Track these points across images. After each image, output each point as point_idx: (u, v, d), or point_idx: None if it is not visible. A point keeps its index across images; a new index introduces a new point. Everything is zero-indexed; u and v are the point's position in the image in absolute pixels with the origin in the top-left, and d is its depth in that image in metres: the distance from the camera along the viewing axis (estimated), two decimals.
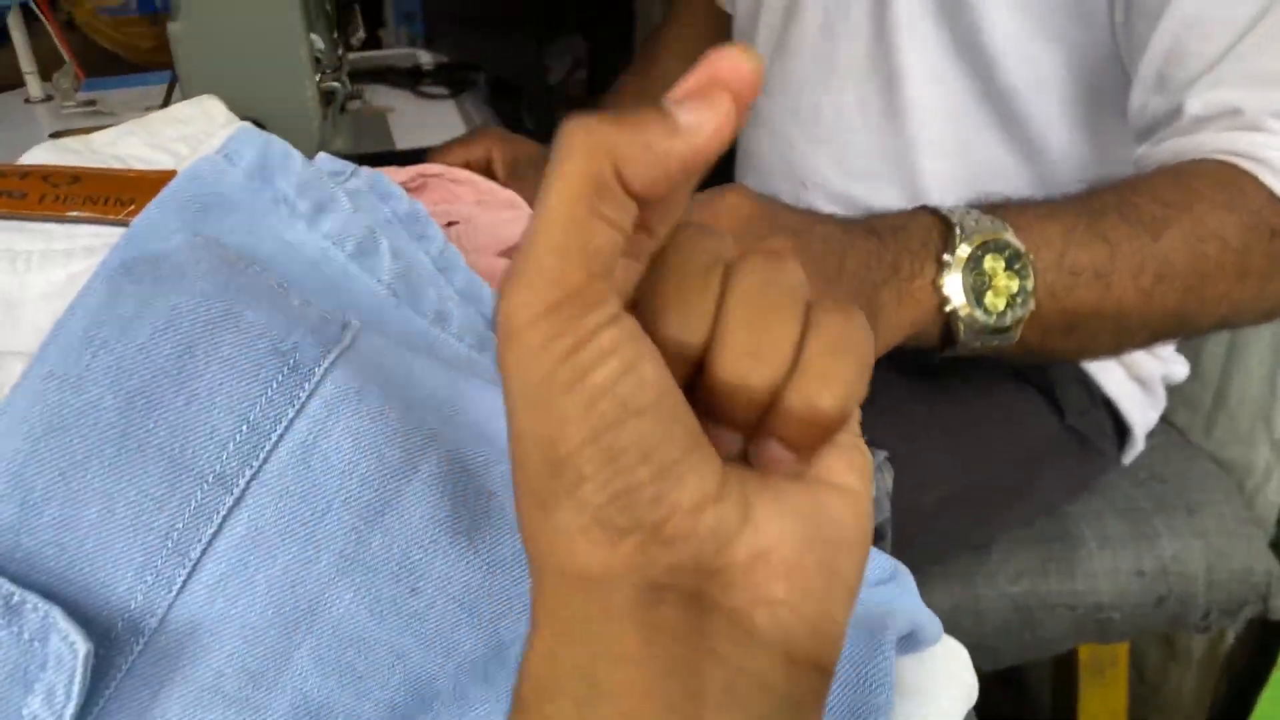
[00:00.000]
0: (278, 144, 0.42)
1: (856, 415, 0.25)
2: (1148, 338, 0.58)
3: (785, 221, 0.44)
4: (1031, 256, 0.50)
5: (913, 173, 0.74)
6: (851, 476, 0.24)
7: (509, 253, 0.53)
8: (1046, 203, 0.54)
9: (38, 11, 1.14)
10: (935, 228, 0.49)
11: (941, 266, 0.48)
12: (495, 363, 0.40)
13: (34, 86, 1.18)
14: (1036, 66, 0.68)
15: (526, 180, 0.86)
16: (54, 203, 0.44)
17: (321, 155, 0.46)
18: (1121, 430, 0.80)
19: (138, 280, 0.33)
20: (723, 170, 0.93)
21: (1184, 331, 0.60)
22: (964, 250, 0.48)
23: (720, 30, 0.93)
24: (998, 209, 0.52)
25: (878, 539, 0.67)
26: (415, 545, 0.32)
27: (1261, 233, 0.55)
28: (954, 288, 0.48)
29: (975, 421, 0.73)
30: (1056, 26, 0.66)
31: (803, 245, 0.42)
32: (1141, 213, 0.53)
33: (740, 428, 0.22)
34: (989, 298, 0.48)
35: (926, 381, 0.74)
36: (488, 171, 0.88)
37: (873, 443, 0.70)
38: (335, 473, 0.32)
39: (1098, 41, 0.66)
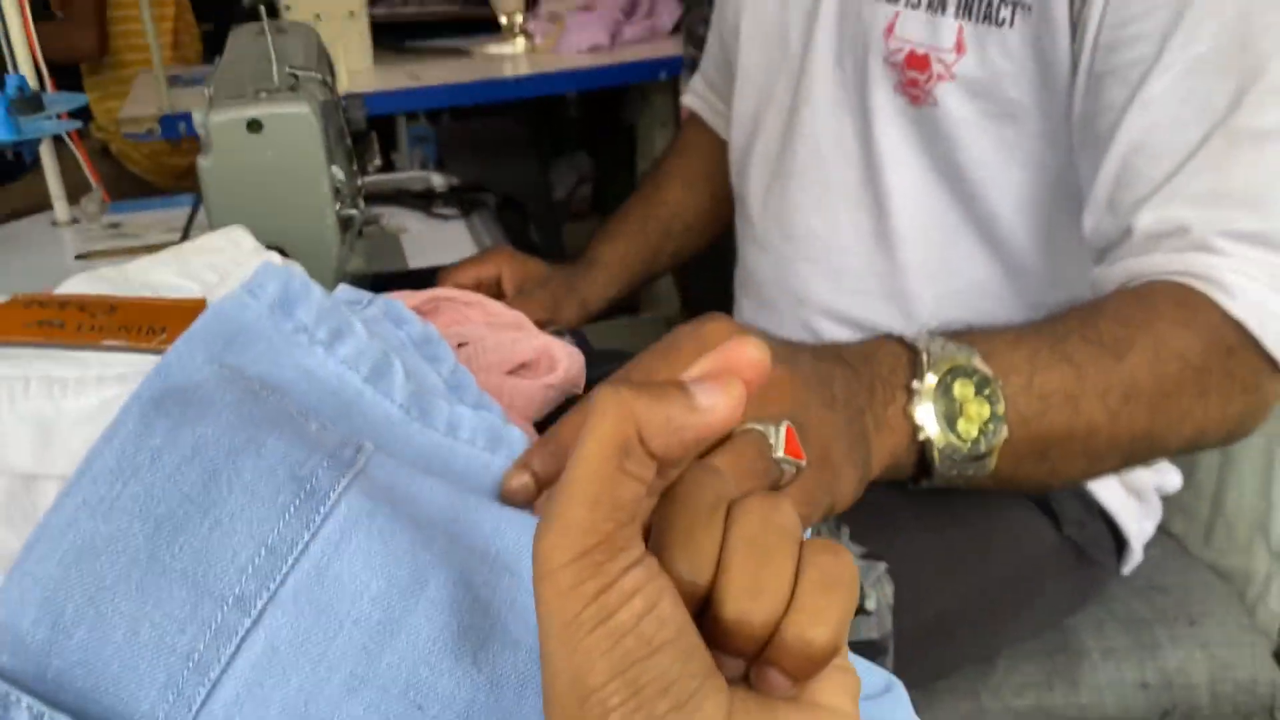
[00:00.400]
0: (298, 277, 0.45)
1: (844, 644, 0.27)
2: (1118, 461, 0.58)
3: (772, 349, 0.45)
4: (1000, 382, 0.50)
5: (904, 293, 0.78)
6: (842, 698, 0.26)
7: (516, 371, 0.55)
8: (1011, 329, 0.55)
9: (68, 140, 1.19)
10: (902, 355, 0.50)
11: (911, 394, 0.48)
12: (507, 461, 0.42)
13: (61, 210, 1.23)
14: (1014, 191, 0.72)
15: (534, 297, 0.90)
16: (90, 331, 0.47)
17: (341, 286, 0.49)
18: (1119, 541, 0.81)
19: (167, 413, 0.35)
20: (724, 286, 0.96)
21: (1153, 454, 0.60)
22: (932, 377, 0.48)
23: (720, 159, 0.97)
24: (963, 336, 0.52)
25: (879, 653, 0.68)
26: (422, 663, 0.33)
27: (1219, 351, 0.57)
28: (926, 415, 0.48)
29: (973, 535, 0.75)
30: (1029, 153, 0.70)
31: (798, 372, 0.43)
32: (1104, 334, 0.55)
33: (742, 656, 0.25)
34: (961, 424, 0.48)
35: (923, 496, 0.75)
36: (498, 288, 0.92)
37: (872, 555, 0.72)
38: (347, 593, 0.33)
39: (1072, 166, 0.69)
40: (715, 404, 0.25)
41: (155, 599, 0.32)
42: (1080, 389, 0.53)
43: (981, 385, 0.49)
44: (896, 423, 0.48)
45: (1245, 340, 0.57)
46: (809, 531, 0.63)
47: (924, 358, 0.48)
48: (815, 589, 0.25)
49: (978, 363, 0.49)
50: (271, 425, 0.35)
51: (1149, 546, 0.85)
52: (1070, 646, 0.81)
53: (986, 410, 0.49)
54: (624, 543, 0.24)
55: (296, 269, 0.55)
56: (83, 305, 0.49)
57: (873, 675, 0.40)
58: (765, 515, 0.26)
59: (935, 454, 0.48)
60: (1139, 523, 0.80)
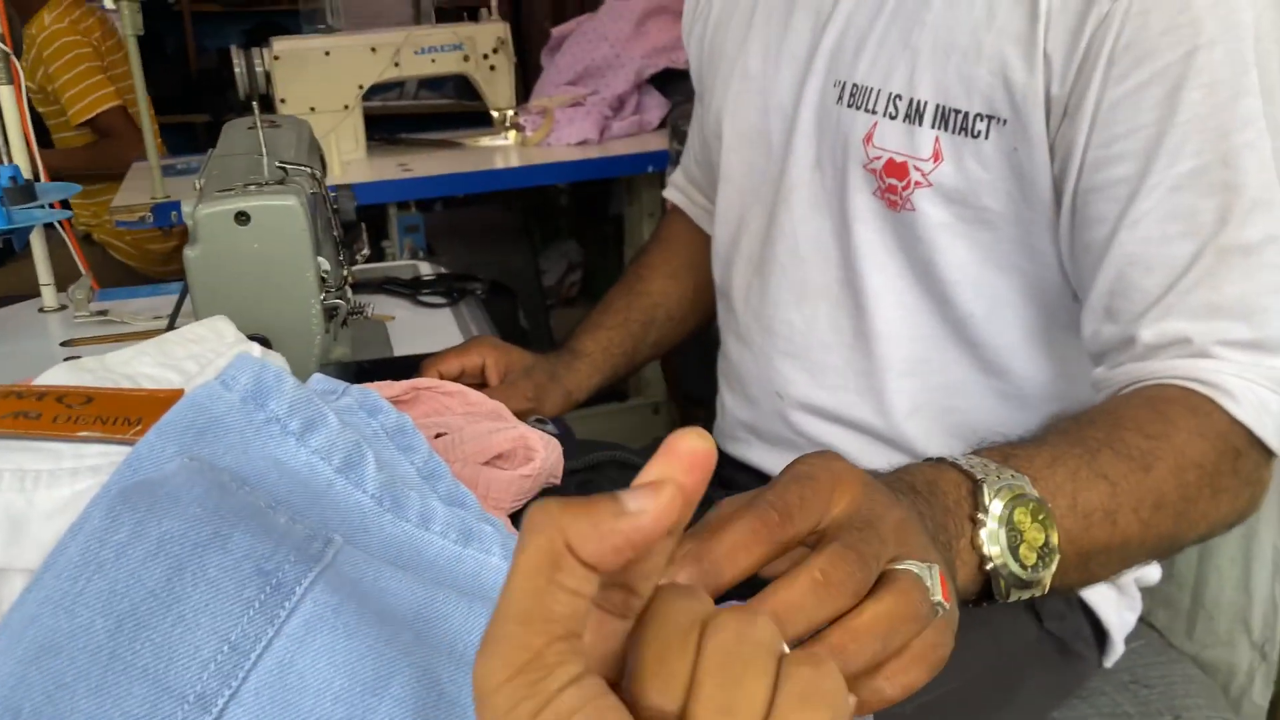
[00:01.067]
0: (270, 369, 0.45)
1: None
2: (1143, 561, 0.62)
3: (888, 495, 0.43)
4: (1049, 505, 0.51)
5: (881, 390, 0.78)
6: None
7: (493, 461, 0.56)
8: (1044, 445, 0.56)
9: (58, 228, 1.21)
10: (963, 484, 0.50)
11: (977, 525, 0.48)
12: (479, 556, 0.42)
13: (49, 297, 1.24)
14: (991, 294, 0.73)
15: (517, 386, 0.91)
16: (66, 423, 0.47)
17: (315, 376, 0.50)
18: (1100, 633, 0.80)
19: (134, 507, 0.35)
20: (710, 375, 0.97)
21: (1173, 551, 0.63)
22: (996, 507, 0.48)
23: (703, 254, 0.99)
24: (1008, 458, 0.53)
25: None
26: None
27: (1229, 455, 0.60)
28: (993, 545, 0.48)
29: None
30: (1006, 258, 0.72)
31: (912, 517, 0.43)
32: (1131, 448, 0.57)
33: None
34: (1023, 551, 0.49)
35: None
36: (482, 377, 0.92)
37: None
38: (310, 691, 0.33)
39: (1049, 271, 0.71)
40: (644, 507, 0.25)
41: (114, 697, 0.32)
42: (1116, 504, 0.55)
43: (1037, 512, 0.50)
44: (966, 555, 0.48)
45: (1250, 441, 0.61)
46: None
47: (985, 489, 0.49)
48: (794, 705, 0.24)
49: (1031, 489, 0.50)
50: (238, 519, 0.36)
51: (1131, 638, 0.85)
52: None
53: (1042, 536, 0.50)
54: (559, 659, 0.23)
55: (277, 360, 0.55)
56: (61, 396, 0.49)
57: None
58: (740, 631, 0.25)
59: (1001, 582, 0.49)
60: (1119, 614, 0.80)
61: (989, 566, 0.48)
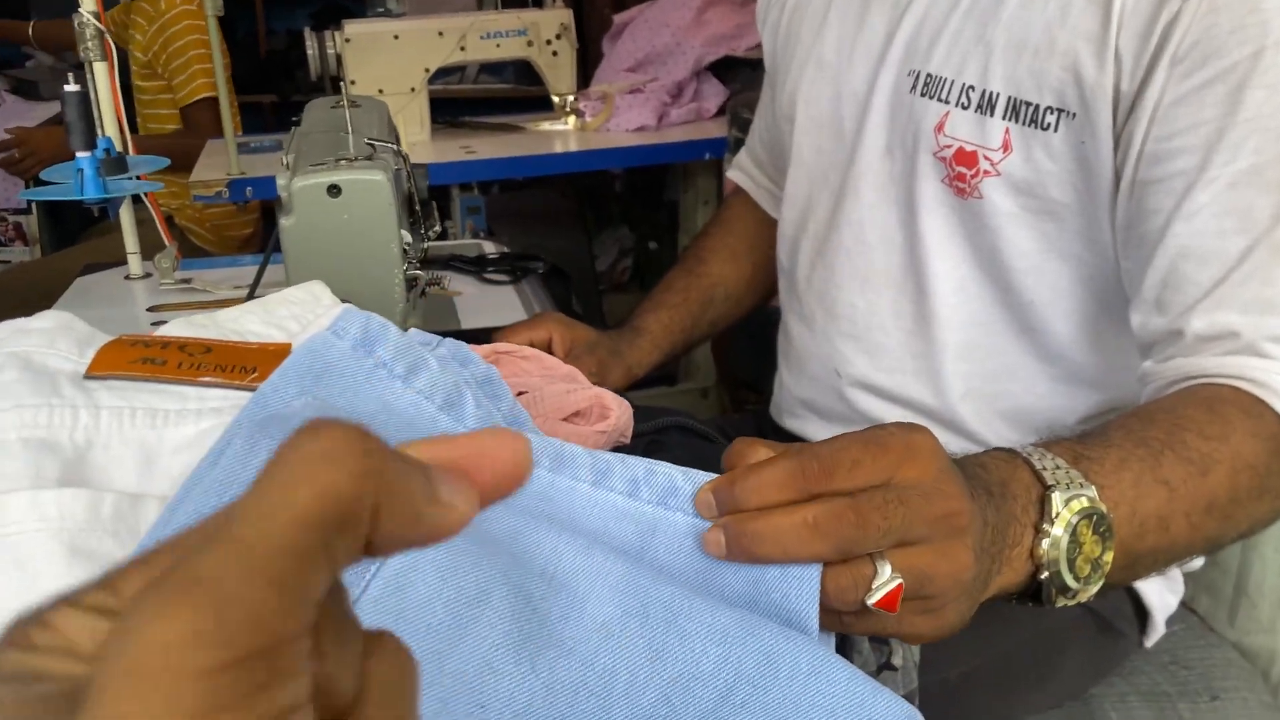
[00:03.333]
0: (376, 319, 0.49)
1: None
2: (1184, 560, 0.63)
3: (959, 487, 0.44)
4: (1112, 517, 0.52)
5: (937, 372, 0.81)
6: None
7: (571, 418, 0.60)
8: (1112, 445, 0.56)
9: (146, 202, 1.27)
10: (1034, 489, 0.50)
11: (1039, 534, 0.49)
12: (570, 484, 0.45)
13: (135, 265, 1.30)
14: (1052, 282, 0.76)
15: (582, 360, 0.94)
16: (189, 369, 0.52)
17: (413, 330, 0.54)
18: (1141, 613, 0.82)
19: (270, 435, 0.40)
20: (758, 357, 1.00)
21: (1212, 551, 0.64)
22: (1064, 518, 0.49)
23: (763, 235, 1.02)
24: (1079, 459, 0.54)
25: None
26: (486, 667, 0.37)
27: (1278, 455, 0.60)
28: (1053, 554, 0.49)
29: (998, 599, 0.77)
30: (1068, 247, 0.74)
31: (971, 522, 0.44)
32: (1191, 450, 0.58)
33: None
34: (1079, 563, 0.50)
35: None
36: (548, 351, 0.97)
37: None
38: (422, 600, 0.37)
39: (1107, 261, 0.73)
40: (455, 504, 0.20)
41: None
42: (1171, 510, 0.56)
43: (1099, 525, 0.51)
44: (1020, 563, 0.49)
45: None
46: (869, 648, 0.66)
47: (1054, 497, 0.49)
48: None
49: (1099, 502, 0.51)
50: None
51: (1173, 621, 0.87)
52: (1093, 717, 0.83)
53: (1099, 550, 0.51)
54: (293, 666, 0.16)
55: (376, 316, 0.60)
56: (182, 345, 0.54)
57: (896, 706, 0.43)
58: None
59: (1052, 590, 0.50)
60: (1161, 595, 0.82)
61: (1043, 575, 0.49)
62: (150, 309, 1.19)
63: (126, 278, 1.31)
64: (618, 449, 0.61)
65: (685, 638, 0.39)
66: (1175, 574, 0.84)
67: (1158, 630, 0.83)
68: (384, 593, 0.37)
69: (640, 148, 2.03)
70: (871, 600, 0.42)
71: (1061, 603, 0.51)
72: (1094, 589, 0.52)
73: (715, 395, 2.31)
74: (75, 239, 2.48)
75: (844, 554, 0.41)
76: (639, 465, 0.45)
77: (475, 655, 0.37)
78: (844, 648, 0.68)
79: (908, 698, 0.70)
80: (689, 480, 0.44)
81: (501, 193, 2.83)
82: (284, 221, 0.75)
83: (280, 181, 0.77)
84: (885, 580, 0.42)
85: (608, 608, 0.39)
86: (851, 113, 0.84)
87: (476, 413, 0.46)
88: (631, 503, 0.44)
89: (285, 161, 0.87)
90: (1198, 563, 0.85)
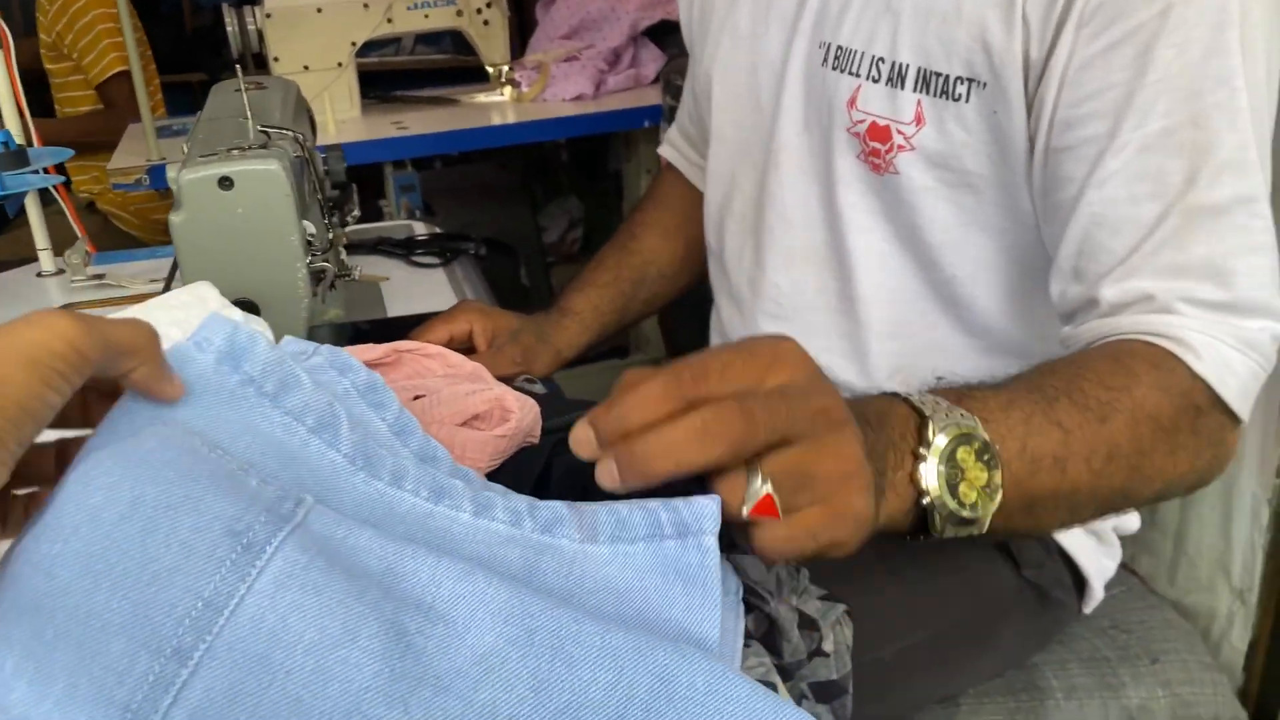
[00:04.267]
0: (243, 330, 0.46)
1: None
2: (1094, 513, 0.61)
3: (832, 387, 0.45)
4: (998, 448, 0.51)
5: (864, 352, 0.79)
6: None
7: (470, 422, 0.57)
8: (1003, 389, 0.56)
9: (54, 193, 1.22)
10: (910, 419, 0.51)
11: (918, 459, 0.49)
12: (449, 513, 0.43)
13: (46, 261, 1.25)
14: (974, 255, 0.74)
15: (504, 351, 0.92)
16: None
17: (286, 338, 0.51)
18: (1079, 580, 0.82)
19: (107, 472, 0.37)
20: (706, 330, 0.98)
21: (1126, 505, 0.62)
22: (940, 443, 0.49)
23: (696, 212, 1.00)
24: (962, 398, 0.53)
25: (839, 693, 0.69)
26: (354, 712, 0.34)
27: (1189, 412, 0.59)
28: (931, 480, 0.49)
29: (931, 575, 0.76)
30: (988, 219, 0.72)
31: (850, 425, 0.44)
32: (1089, 398, 0.57)
33: None
34: (962, 489, 0.50)
35: (881, 537, 0.76)
36: (470, 343, 0.93)
37: (830, 597, 0.73)
38: (281, 644, 0.35)
39: (1028, 231, 0.71)
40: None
41: (94, 652, 0.34)
42: (1068, 452, 0.55)
43: (982, 452, 0.51)
44: (903, 488, 0.49)
45: (1212, 399, 0.60)
46: (773, 572, 0.64)
47: (931, 424, 0.50)
48: None
49: (980, 430, 0.51)
50: (210, 482, 0.37)
51: (1113, 585, 0.86)
52: (1034, 685, 0.82)
53: (985, 476, 0.51)
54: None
55: (258, 325, 0.56)
56: None
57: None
58: None
59: (936, 517, 0.50)
60: (1098, 561, 0.81)
61: (925, 501, 0.49)
62: (62, 307, 1.15)
63: (39, 275, 1.26)
64: (525, 449, 0.58)
65: (572, 664, 0.37)
66: (1112, 539, 0.83)
67: (1096, 596, 0.83)
68: (241, 636, 0.35)
69: (578, 117, 1.99)
70: (747, 509, 0.42)
71: (954, 532, 0.51)
72: (988, 517, 0.51)
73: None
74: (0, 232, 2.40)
75: (736, 455, 0.40)
76: (522, 500, 0.43)
77: (344, 699, 0.35)
78: (772, 636, 0.66)
79: (841, 681, 0.69)
80: (574, 511, 0.42)
81: (444, 167, 2.77)
82: (173, 217, 0.71)
83: (170, 174, 0.73)
84: (758, 488, 0.42)
85: (489, 637, 0.37)
86: (768, 84, 0.82)
87: (351, 435, 0.43)
88: (515, 530, 0.42)
89: (184, 150, 0.83)
90: (1134, 525, 0.84)
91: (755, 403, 0.40)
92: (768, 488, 0.42)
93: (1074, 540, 0.80)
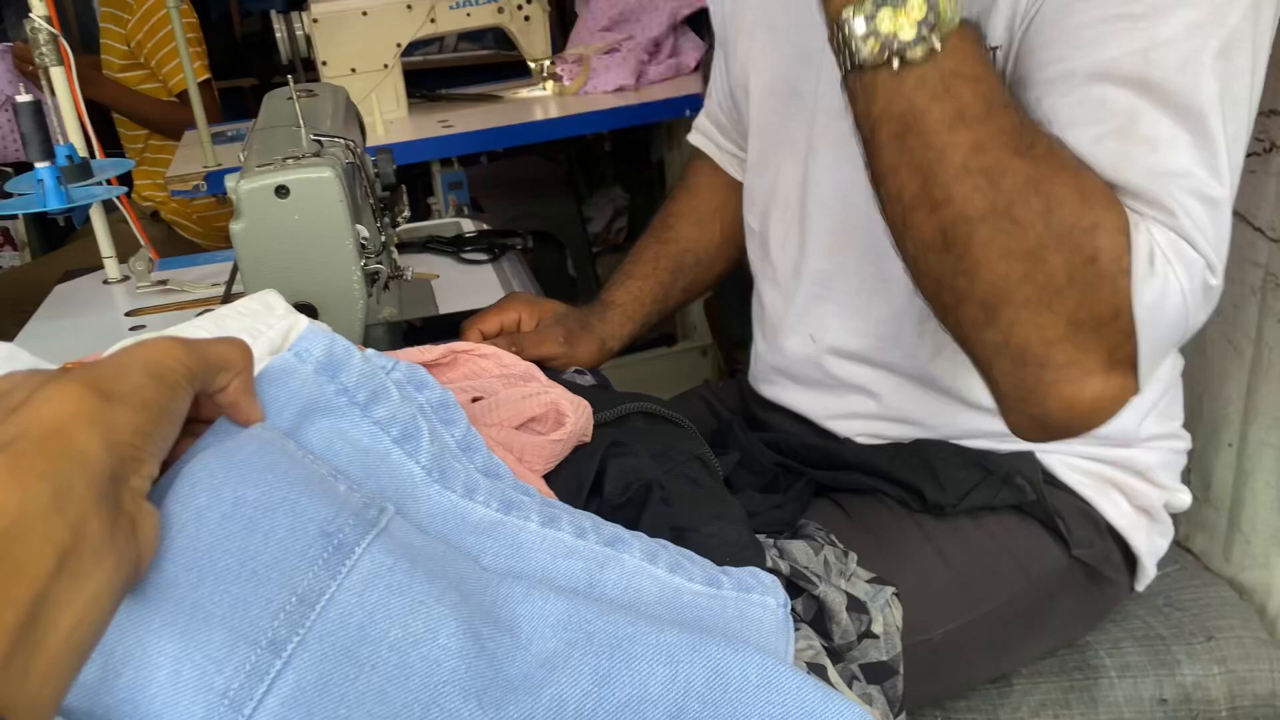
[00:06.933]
0: (340, 342, 0.48)
1: None
2: (932, 228, 0.58)
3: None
4: (940, 41, 0.54)
5: (908, 334, 0.78)
6: None
7: (526, 425, 0.59)
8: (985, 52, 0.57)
9: (117, 203, 1.26)
10: None
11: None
12: (518, 523, 0.46)
13: (111, 269, 1.30)
14: None
15: (550, 330, 0.93)
16: None
17: (370, 351, 0.53)
18: (1131, 559, 0.82)
19: (211, 474, 0.39)
20: (749, 320, 0.99)
21: (944, 270, 0.59)
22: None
23: (729, 199, 1.00)
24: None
25: (889, 674, 0.70)
26: (433, 704, 0.37)
27: (1080, 251, 0.55)
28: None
29: (981, 557, 0.76)
30: None
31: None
32: (1036, 137, 0.55)
33: None
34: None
35: (931, 519, 0.77)
36: (518, 331, 0.96)
37: (879, 580, 0.75)
38: (368, 639, 0.37)
39: None
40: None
41: (197, 641, 0.36)
42: (970, 122, 0.55)
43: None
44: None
45: (1116, 299, 0.55)
46: (817, 551, 0.66)
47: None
48: None
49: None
50: (305, 485, 0.39)
51: (1167, 563, 0.86)
52: (1087, 664, 0.82)
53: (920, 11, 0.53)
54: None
55: (323, 328, 0.59)
56: None
57: (847, 710, 0.42)
58: None
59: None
60: (1150, 539, 0.81)
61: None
62: (129, 313, 1.19)
63: (104, 282, 1.30)
64: (579, 449, 0.60)
65: (631, 661, 0.39)
66: (1163, 517, 0.83)
67: (1148, 574, 0.83)
68: (331, 630, 0.37)
69: (620, 109, 2.00)
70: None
71: (873, 53, 0.55)
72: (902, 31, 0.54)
73: (713, 354, 2.31)
74: (63, 241, 2.47)
75: None
76: (586, 516, 0.46)
77: (424, 692, 0.37)
78: (821, 619, 0.68)
79: (891, 662, 0.70)
80: (636, 536, 0.46)
81: (490, 162, 2.81)
82: (234, 226, 0.74)
83: (229, 184, 0.76)
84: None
85: (551, 643, 0.39)
86: (808, 74, 0.82)
87: (430, 448, 0.46)
88: (580, 542, 0.44)
89: (240, 159, 0.86)
90: (1186, 501, 0.84)
91: None
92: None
93: (1124, 519, 0.80)
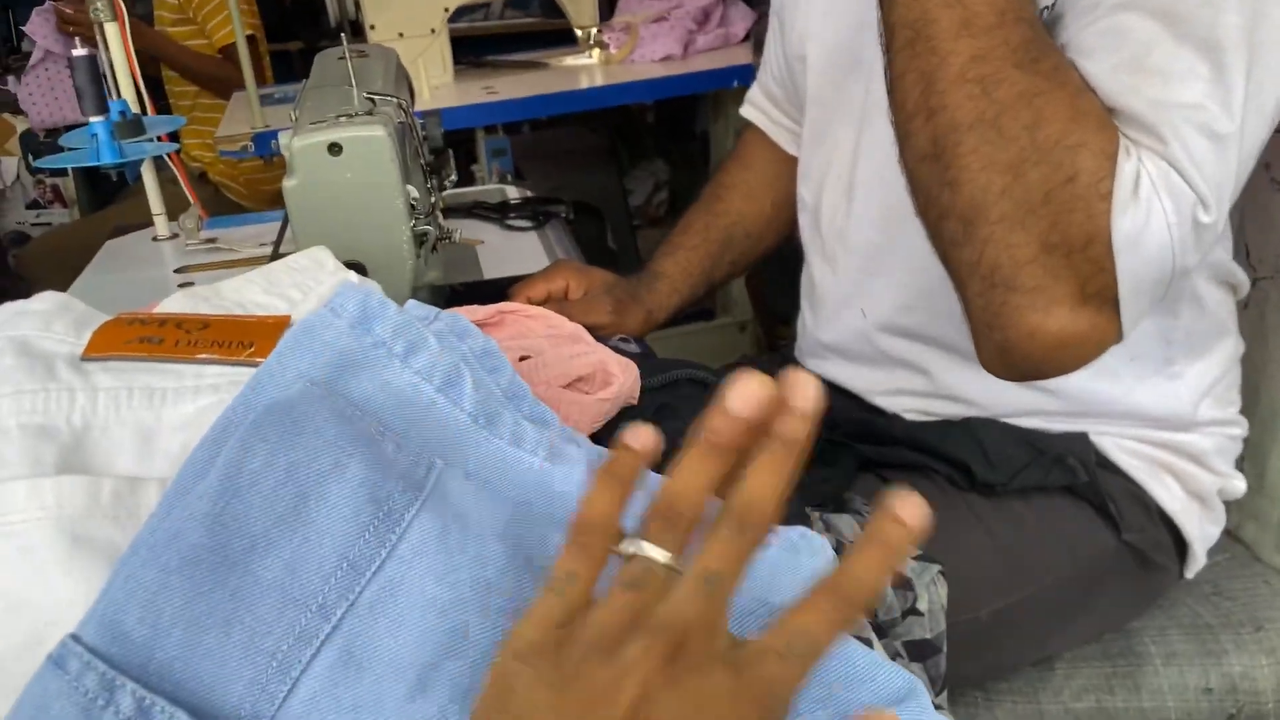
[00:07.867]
0: (375, 295, 0.49)
1: None
2: (925, 141, 0.57)
3: None
4: None
5: (956, 309, 0.78)
6: None
7: (574, 385, 0.59)
8: None
9: (167, 160, 1.27)
10: None
11: None
12: (566, 471, 0.46)
13: (161, 226, 1.31)
14: None
15: (599, 300, 0.93)
16: (186, 346, 0.51)
17: (410, 302, 0.53)
18: (1181, 545, 0.80)
19: (265, 438, 0.39)
20: (794, 291, 0.98)
21: (931, 182, 0.58)
22: None
23: (781, 172, 0.99)
24: None
25: (932, 652, 0.69)
26: (481, 668, 0.37)
27: (1060, 169, 0.53)
28: None
29: (1029, 537, 0.75)
30: None
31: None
32: (1045, 53, 0.54)
33: None
34: None
35: (980, 498, 0.76)
36: (566, 299, 0.95)
37: (925, 557, 0.74)
38: (417, 606, 0.37)
39: None
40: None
41: (248, 604, 0.36)
42: (972, 39, 0.54)
43: None
44: None
45: (1091, 203, 0.54)
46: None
47: None
48: None
49: None
50: (354, 448, 0.39)
51: (1217, 552, 0.85)
52: (1132, 651, 0.81)
53: None
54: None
55: (372, 287, 0.59)
56: (179, 323, 0.53)
57: (896, 678, 0.42)
58: None
59: None
60: (1201, 526, 0.80)
61: None
62: (178, 270, 1.20)
63: (154, 239, 1.31)
64: (626, 410, 0.59)
65: None
66: (1216, 504, 0.81)
67: (1198, 562, 0.81)
68: (380, 597, 0.37)
69: (667, 79, 1.98)
70: None
71: None
72: None
73: (752, 330, 2.29)
74: (112, 199, 2.50)
75: None
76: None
77: (475, 657, 0.37)
78: None
79: (935, 640, 0.69)
80: None
81: (532, 130, 2.80)
82: (287, 183, 0.74)
83: (282, 141, 0.76)
84: None
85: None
86: (869, 41, 0.81)
87: (474, 395, 0.45)
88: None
89: (293, 117, 0.86)
90: (1240, 489, 0.82)
91: None
92: None
93: (1177, 504, 0.78)
